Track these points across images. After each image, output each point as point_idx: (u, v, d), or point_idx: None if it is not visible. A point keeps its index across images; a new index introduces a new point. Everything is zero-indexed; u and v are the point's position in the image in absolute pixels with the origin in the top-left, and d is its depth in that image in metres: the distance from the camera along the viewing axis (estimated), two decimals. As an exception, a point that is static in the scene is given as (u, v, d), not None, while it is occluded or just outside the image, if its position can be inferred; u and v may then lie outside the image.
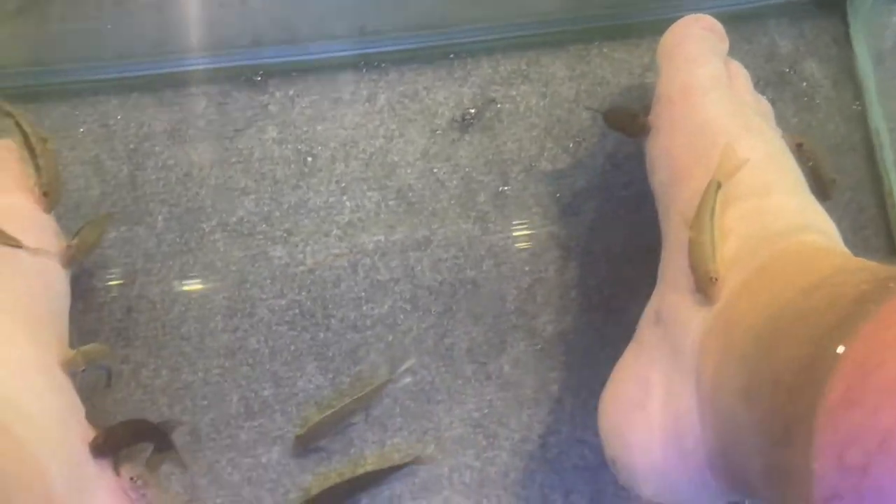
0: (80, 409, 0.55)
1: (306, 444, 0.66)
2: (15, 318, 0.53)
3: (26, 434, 0.48)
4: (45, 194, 0.57)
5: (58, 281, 0.58)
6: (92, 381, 0.62)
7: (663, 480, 0.55)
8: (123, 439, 0.55)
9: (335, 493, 0.65)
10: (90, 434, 0.53)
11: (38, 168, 0.58)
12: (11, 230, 0.56)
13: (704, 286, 0.54)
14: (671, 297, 0.56)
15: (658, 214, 0.62)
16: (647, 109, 0.64)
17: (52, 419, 0.51)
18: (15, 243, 0.54)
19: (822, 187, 0.64)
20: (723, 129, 0.59)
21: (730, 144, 0.57)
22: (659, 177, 0.62)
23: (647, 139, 0.63)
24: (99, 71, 0.71)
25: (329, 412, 0.66)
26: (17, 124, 0.59)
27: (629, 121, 0.63)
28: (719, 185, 0.56)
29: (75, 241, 0.59)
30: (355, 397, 0.66)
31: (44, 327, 0.55)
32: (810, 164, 0.63)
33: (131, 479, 0.51)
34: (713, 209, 0.55)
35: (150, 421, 0.62)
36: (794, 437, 0.39)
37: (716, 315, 0.52)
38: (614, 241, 0.72)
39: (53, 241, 0.58)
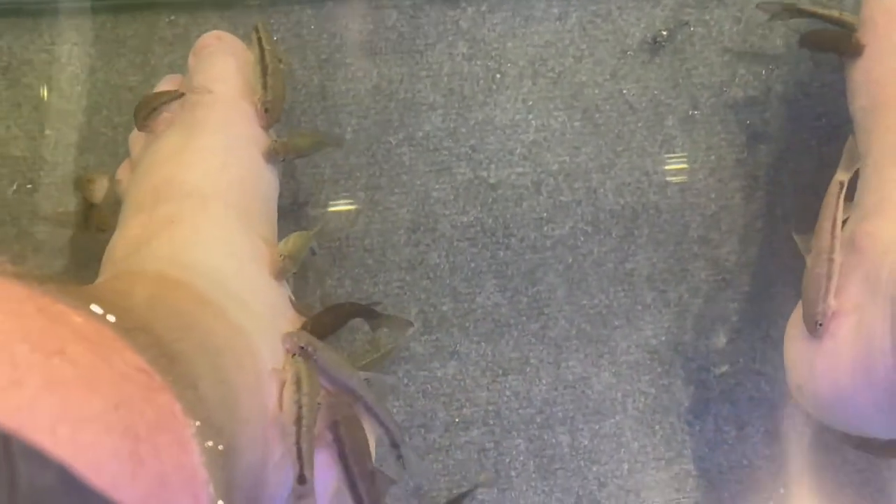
0: (288, 296, 0.56)
1: None
2: (228, 205, 0.55)
3: (240, 317, 0.49)
4: (265, 110, 0.58)
5: (268, 172, 0.59)
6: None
7: (850, 408, 0.55)
8: (330, 326, 0.56)
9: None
10: (297, 321, 0.55)
11: (265, 86, 0.59)
12: (223, 117, 0.57)
13: (808, 324, 0.54)
14: (868, 225, 0.55)
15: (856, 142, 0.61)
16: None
17: (264, 305, 0.52)
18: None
19: None
20: None
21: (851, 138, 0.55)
22: (860, 102, 0.60)
23: (850, 64, 0.61)
24: (295, -20, 0.72)
25: None
26: (259, 39, 0.60)
27: (842, 38, 0.61)
28: (842, 186, 0.54)
29: (285, 140, 0.59)
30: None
31: (255, 216, 0.56)
32: None
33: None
34: (836, 219, 0.54)
35: (355, 303, 0.63)
36: None
37: None
38: (803, 172, 0.70)
39: (262, 136, 0.59)
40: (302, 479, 0.48)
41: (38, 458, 0.25)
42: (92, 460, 0.27)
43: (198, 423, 0.34)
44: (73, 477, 0.26)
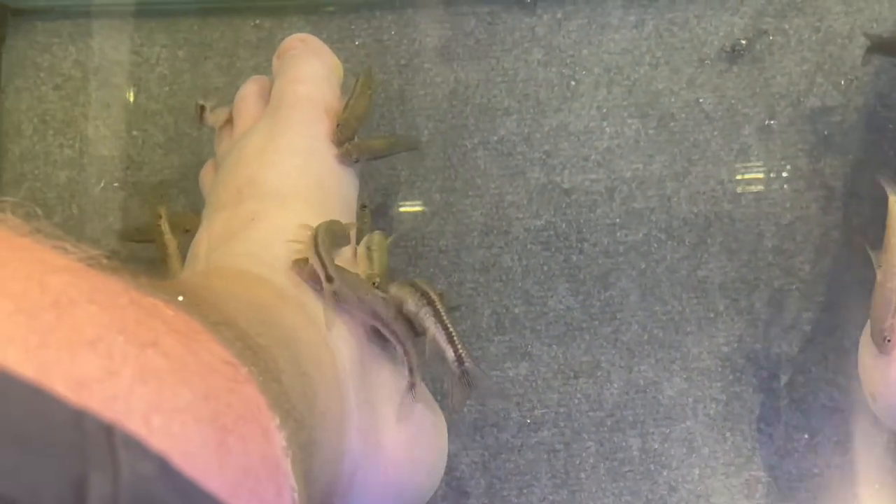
0: None
1: None
2: (309, 204, 0.56)
3: (318, 313, 0.50)
4: (337, 125, 0.59)
5: (347, 173, 0.60)
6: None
7: None
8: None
9: None
10: None
11: (346, 105, 0.60)
12: (305, 117, 0.59)
13: (876, 340, 0.54)
14: None
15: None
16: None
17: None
18: None
19: None
20: None
21: None
22: None
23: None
24: (377, -14, 0.73)
25: None
26: (366, 71, 0.63)
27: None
28: None
29: (359, 141, 0.60)
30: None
31: (335, 215, 0.57)
32: None
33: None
34: None
35: None
36: None
37: None
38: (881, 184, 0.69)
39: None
40: (329, 279, 0.51)
41: (138, 447, 0.26)
42: (183, 449, 0.27)
43: (281, 416, 0.34)
44: (170, 466, 0.27)
